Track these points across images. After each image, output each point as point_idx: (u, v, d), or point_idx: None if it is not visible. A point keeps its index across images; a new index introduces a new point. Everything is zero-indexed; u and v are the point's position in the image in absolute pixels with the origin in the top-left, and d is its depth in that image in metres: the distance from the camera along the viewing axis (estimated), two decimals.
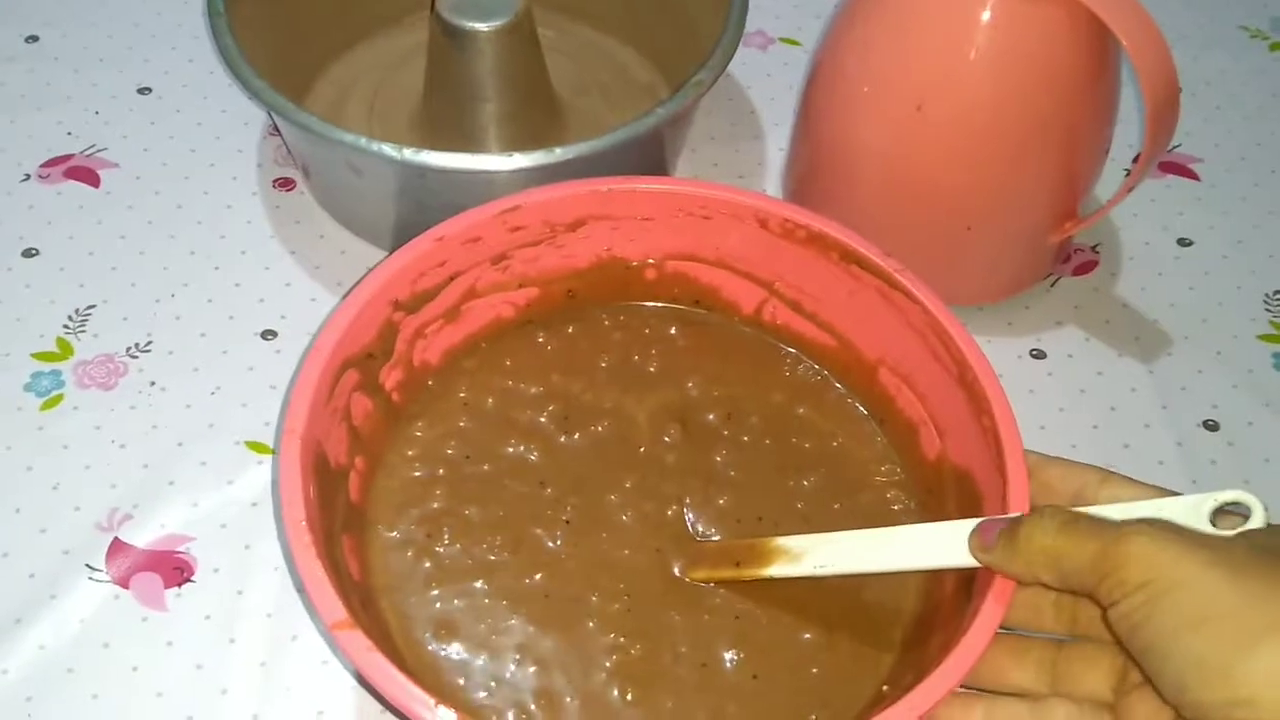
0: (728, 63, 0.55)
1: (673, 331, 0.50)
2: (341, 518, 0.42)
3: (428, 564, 0.44)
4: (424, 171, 0.51)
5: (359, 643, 0.35)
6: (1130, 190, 0.53)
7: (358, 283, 0.44)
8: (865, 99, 0.53)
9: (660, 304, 0.51)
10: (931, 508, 0.45)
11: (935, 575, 0.43)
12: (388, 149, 0.50)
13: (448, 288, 0.47)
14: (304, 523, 0.37)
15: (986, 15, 0.48)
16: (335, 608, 0.35)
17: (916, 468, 0.46)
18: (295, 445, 0.39)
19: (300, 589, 0.47)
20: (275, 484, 0.50)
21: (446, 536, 0.44)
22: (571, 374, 0.49)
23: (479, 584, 0.43)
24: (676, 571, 0.44)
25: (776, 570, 0.42)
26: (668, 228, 0.48)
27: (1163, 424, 0.54)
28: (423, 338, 0.47)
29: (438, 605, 0.43)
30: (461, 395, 0.48)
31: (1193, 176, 0.64)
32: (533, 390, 0.48)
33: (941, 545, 0.39)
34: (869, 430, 0.48)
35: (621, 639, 0.42)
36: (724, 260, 0.49)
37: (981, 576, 0.39)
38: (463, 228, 0.45)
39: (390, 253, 0.57)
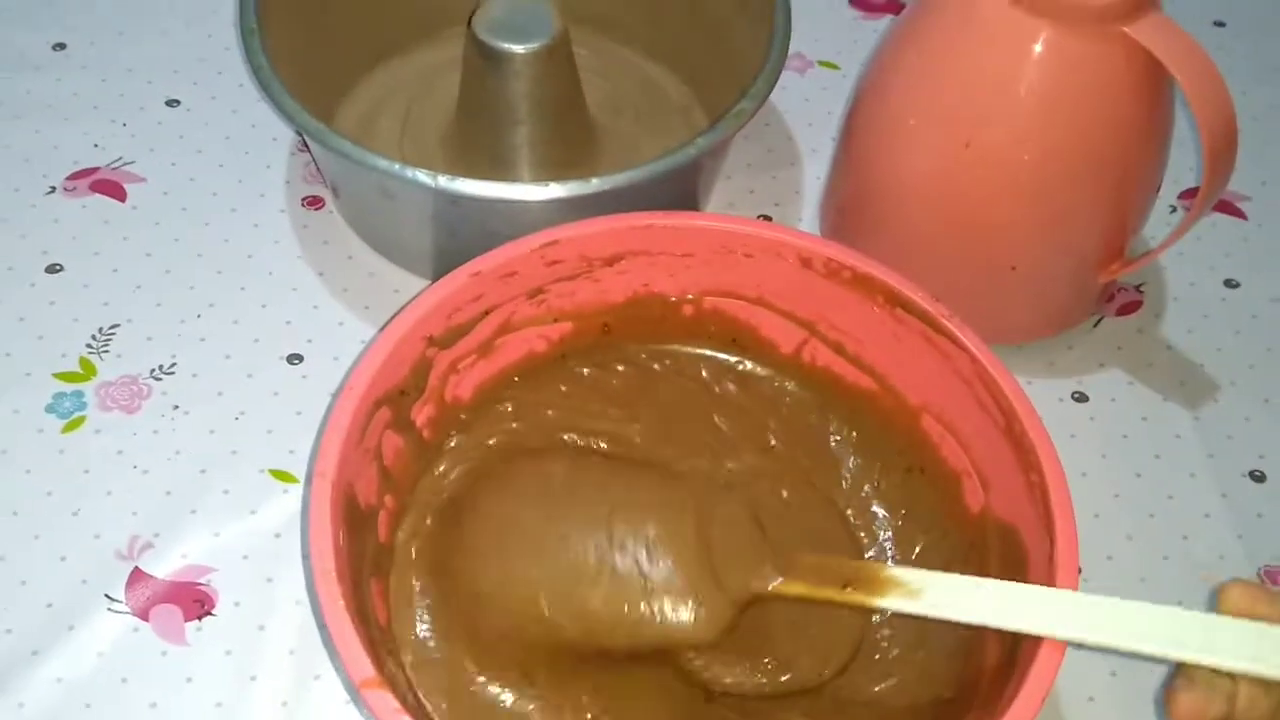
0: (770, 91, 0.54)
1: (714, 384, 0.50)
2: (370, 561, 0.41)
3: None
4: (458, 199, 0.50)
5: (387, 704, 0.34)
6: (1182, 234, 0.51)
7: (392, 318, 0.43)
8: (911, 133, 0.52)
9: (698, 349, 0.50)
10: (974, 562, 0.44)
11: (978, 650, 0.41)
12: (422, 176, 0.49)
13: (482, 322, 0.46)
14: (333, 573, 0.36)
15: (1039, 51, 0.47)
16: (363, 665, 0.34)
17: (959, 520, 0.45)
18: (326, 490, 0.38)
19: (323, 625, 0.46)
20: (302, 515, 0.49)
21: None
22: (603, 417, 0.48)
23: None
24: (769, 587, 0.42)
25: (889, 602, 0.40)
26: (707, 264, 0.47)
27: (1208, 473, 0.53)
28: (455, 373, 0.46)
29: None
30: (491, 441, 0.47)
31: (1240, 215, 0.62)
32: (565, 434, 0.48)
33: (1081, 620, 0.36)
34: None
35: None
36: (764, 299, 0.48)
37: (1025, 650, 0.37)
38: (499, 262, 0.44)
39: (420, 276, 0.57)
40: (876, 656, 0.44)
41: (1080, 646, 0.37)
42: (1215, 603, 0.37)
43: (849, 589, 0.40)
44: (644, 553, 0.42)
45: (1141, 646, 0.36)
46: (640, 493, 0.44)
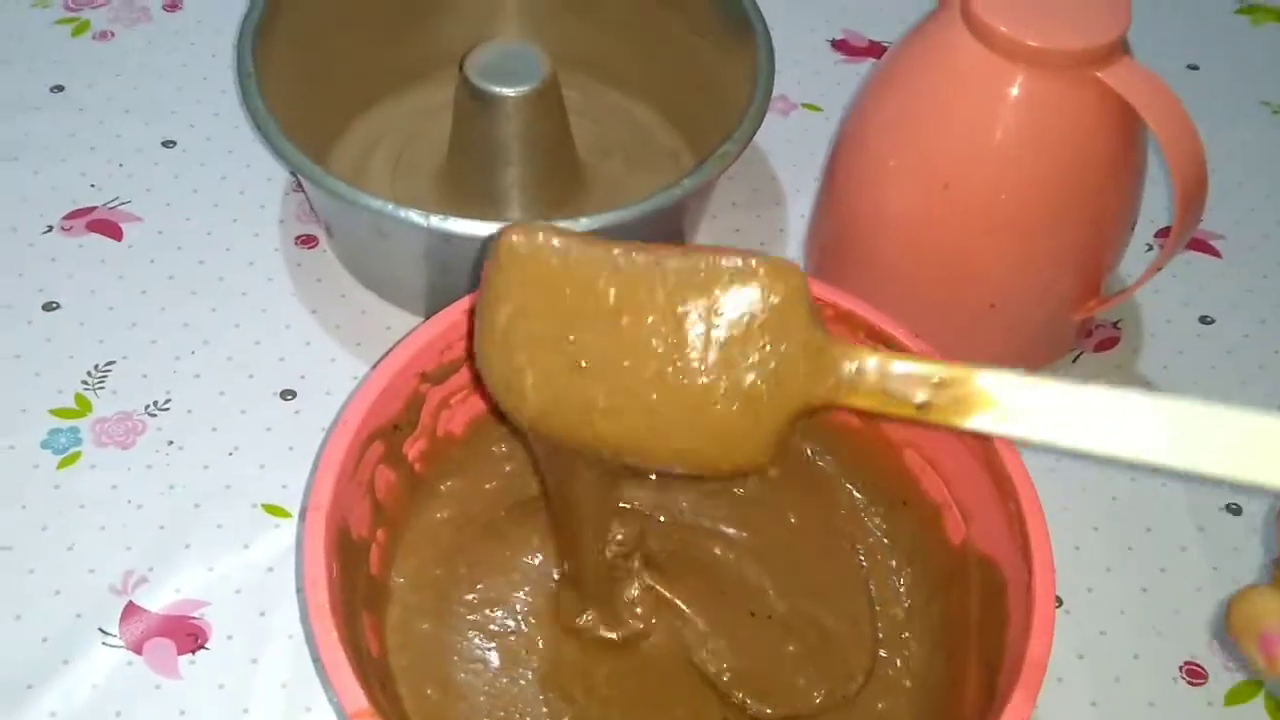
0: (754, 133, 0.55)
1: None
2: (363, 594, 0.42)
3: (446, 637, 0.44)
4: (450, 238, 0.51)
5: None
6: (1155, 272, 0.53)
7: (386, 354, 0.44)
8: (891, 174, 0.53)
9: None
10: (954, 596, 0.45)
11: (957, 671, 0.42)
12: (414, 215, 0.50)
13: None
14: (327, 606, 0.37)
15: (1015, 95, 0.48)
16: (357, 697, 0.35)
17: (939, 553, 0.46)
18: (320, 523, 0.39)
19: (316, 658, 0.47)
20: (297, 550, 0.50)
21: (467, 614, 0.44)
22: None
23: (494, 656, 0.43)
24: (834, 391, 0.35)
25: (975, 423, 0.34)
26: None
27: (1184, 507, 0.54)
28: (447, 408, 0.47)
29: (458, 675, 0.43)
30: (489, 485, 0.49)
31: (1214, 253, 0.64)
32: None
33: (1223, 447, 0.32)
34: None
35: None
36: None
37: (1007, 672, 0.38)
38: None
39: (412, 313, 0.58)
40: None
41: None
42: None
43: (926, 409, 0.35)
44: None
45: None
46: None
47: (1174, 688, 0.49)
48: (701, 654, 0.45)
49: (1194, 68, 0.73)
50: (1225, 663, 0.49)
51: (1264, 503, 0.54)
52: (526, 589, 0.45)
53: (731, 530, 0.48)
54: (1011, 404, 0.34)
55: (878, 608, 0.46)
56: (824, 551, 0.48)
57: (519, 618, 0.45)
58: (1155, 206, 0.63)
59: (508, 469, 0.49)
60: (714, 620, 0.46)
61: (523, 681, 0.44)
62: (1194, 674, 0.49)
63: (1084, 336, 0.59)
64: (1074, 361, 0.59)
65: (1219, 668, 0.49)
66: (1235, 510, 0.54)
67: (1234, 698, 0.48)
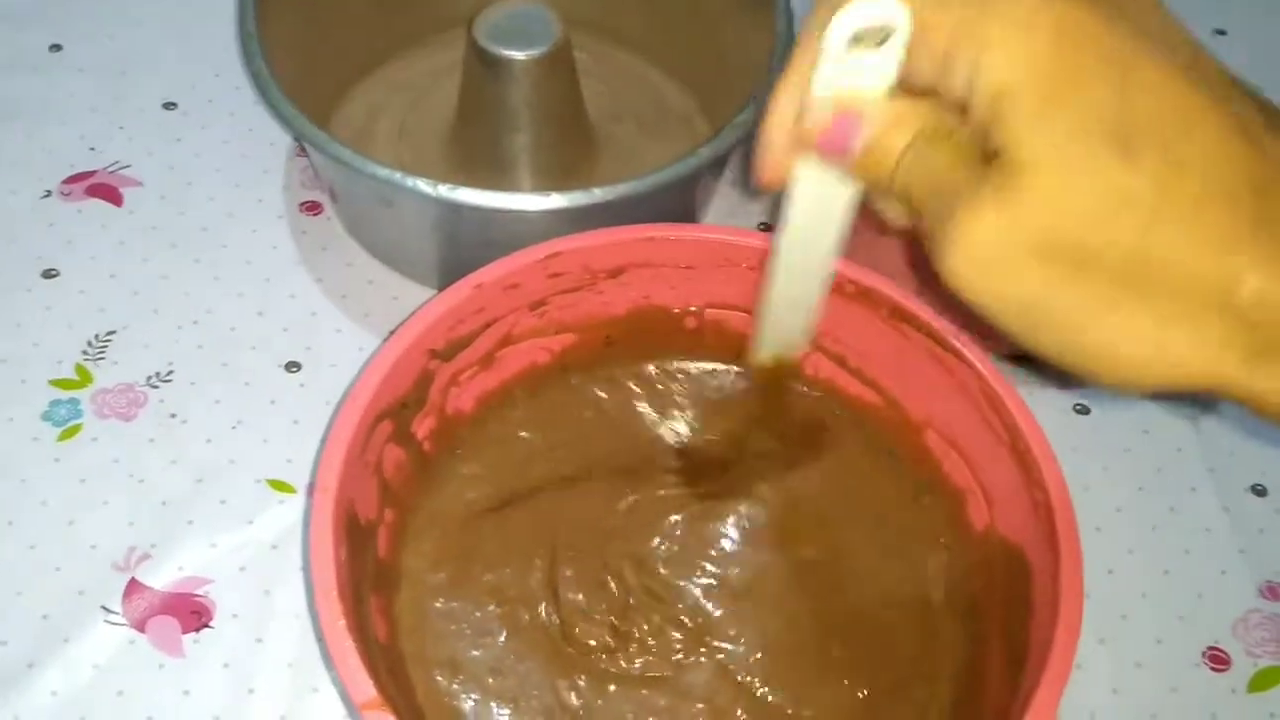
0: None
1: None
2: (371, 577, 0.41)
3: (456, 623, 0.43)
4: (458, 208, 0.50)
5: None
6: None
7: (394, 330, 0.42)
8: None
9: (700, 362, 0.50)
10: (979, 581, 0.44)
11: (980, 659, 0.41)
12: (422, 185, 0.49)
13: (484, 334, 0.45)
14: (334, 591, 0.36)
15: None
16: (365, 687, 0.34)
17: (963, 538, 0.45)
18: (328, 505, 0.38)
19: (321, 639, 0.46)
20: (303, 527, 0.49)
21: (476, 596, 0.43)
22: (600, 435, 0.48)
23: (504, 639, 0.43)
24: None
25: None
26: (710, 277, 0.47)
27: (1209, 488, 0.52)
28: (456, 385, 0.45)
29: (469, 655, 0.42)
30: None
31: None
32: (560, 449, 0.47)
33: None
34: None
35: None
36: None
37: (1033, 663, 0.37)
38: (502, 274, 0.44)
39: (419, 283, 0.57)
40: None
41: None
42: None
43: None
44: None
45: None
46: None
47: (1196, 674, 0.48)
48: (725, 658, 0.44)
49: (1221, 32, 0.71)
50: (1249, 649, 0.48)
51: None
52: (538, 573, 0.44)
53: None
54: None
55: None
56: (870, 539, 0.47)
57: (531, 600, 0.44)
58: None
59: (520, 447, 0.48)
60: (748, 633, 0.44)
61: (534, 664, 0.43)
62: (1217, 660, 0.48)
63: None
64: None
65: (1242, 654, 0.48)
66: (1261, 491, 0.53)
67: (1257, 684, 0.47)
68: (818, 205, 0.37)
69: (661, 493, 0.46)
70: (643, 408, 0.49)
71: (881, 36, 0.31)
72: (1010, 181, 0.29)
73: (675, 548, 0.45)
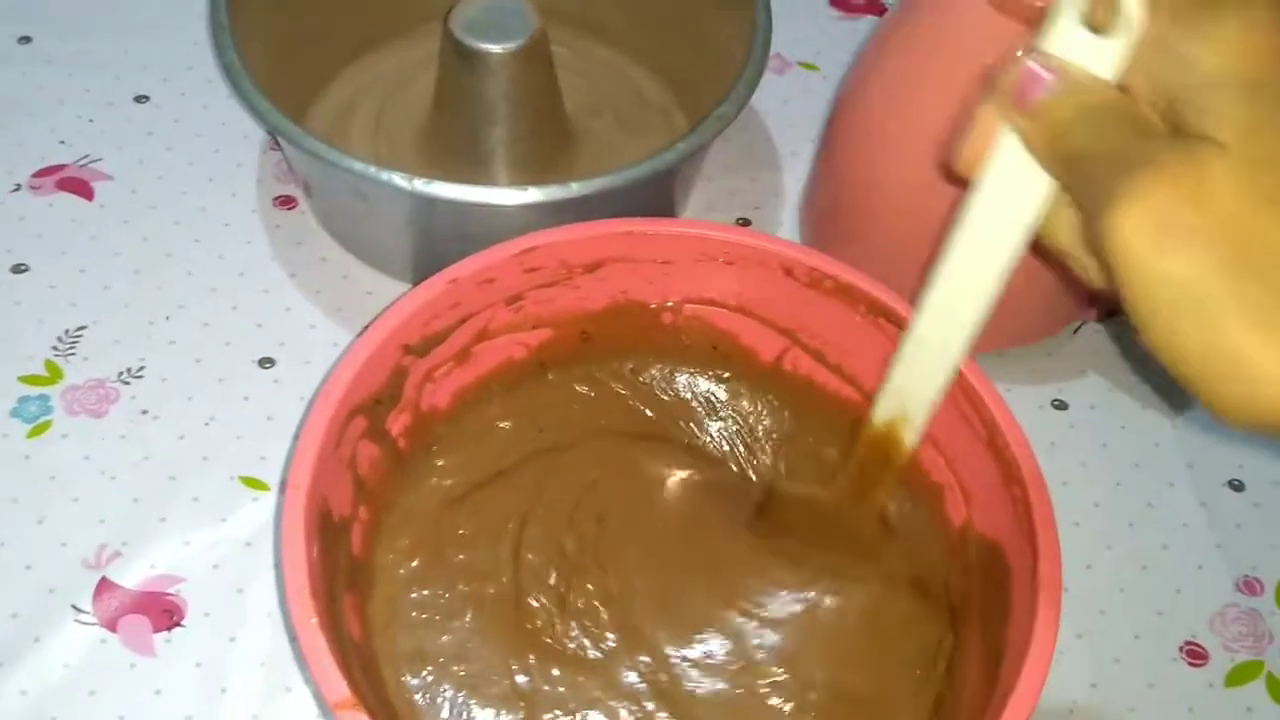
0: (750, 94, 0.54)
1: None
2: (344, 575, 0.40)
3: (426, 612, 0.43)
4: (433, 202, 0.49)
5: None
6: None
7: (368, 325, 0.42)
8: (892, 138, 0.51)
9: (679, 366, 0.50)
10: (955, 576, 0.44)
11: (961, 654, 0.41)
12: (397, 178, 0.48)
13: (459, 330, 0.45)
14: (307, 590, 0.35)
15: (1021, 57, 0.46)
16: (338, 686, 0.34)
17: (940, 533, 0.45)
18: (300, 502, 0.37)
19: (294, 638, 0.46)
20: (276, 525, 0.48)
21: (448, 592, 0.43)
22: (576, 426, 0.48)
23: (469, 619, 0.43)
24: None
25: (912, 436, 0.39)
26: (688, 271, 0.47)
27: (1187, 483, 0.53)
28: (431, 381, 0.45)
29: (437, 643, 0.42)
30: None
31: None
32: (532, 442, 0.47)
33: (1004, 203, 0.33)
34: None
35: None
36: (745, 307, 0.47)
37: (1010, 661, 0.37)
38: (477, 269, 0.43)
39: (394, 278, 0.56)
40: None
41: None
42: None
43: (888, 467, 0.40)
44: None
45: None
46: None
47: (1174, 668, 0.48)
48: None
49: None
50: (1226, 643, 0.48)
51: (1267, 479, 0.53)
52: (508, 541, 0.44)
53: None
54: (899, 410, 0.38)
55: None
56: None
57: (497, 571, 0.44)
58: None
59: (499, 436, 0.47)
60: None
61: (494, 646, 0.42)
62: (1194, 654, 0.48)
63: (1086, 306, 0.58)
64: (1075, 332, 0.57)
65: (1220, 648, 0.48)
66: (1238, 486, 0.53)
67: (1235, 679, 0.48)
68: (1005, 201, 0.34)
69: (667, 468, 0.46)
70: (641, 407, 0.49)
71: (1110, 23, 0.31)
72: (1202, 155, 0.28)
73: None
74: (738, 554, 0.44)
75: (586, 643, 0.42)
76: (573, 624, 0.43)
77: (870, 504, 0.42)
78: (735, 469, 0.48)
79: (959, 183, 0.36)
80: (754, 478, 0.48)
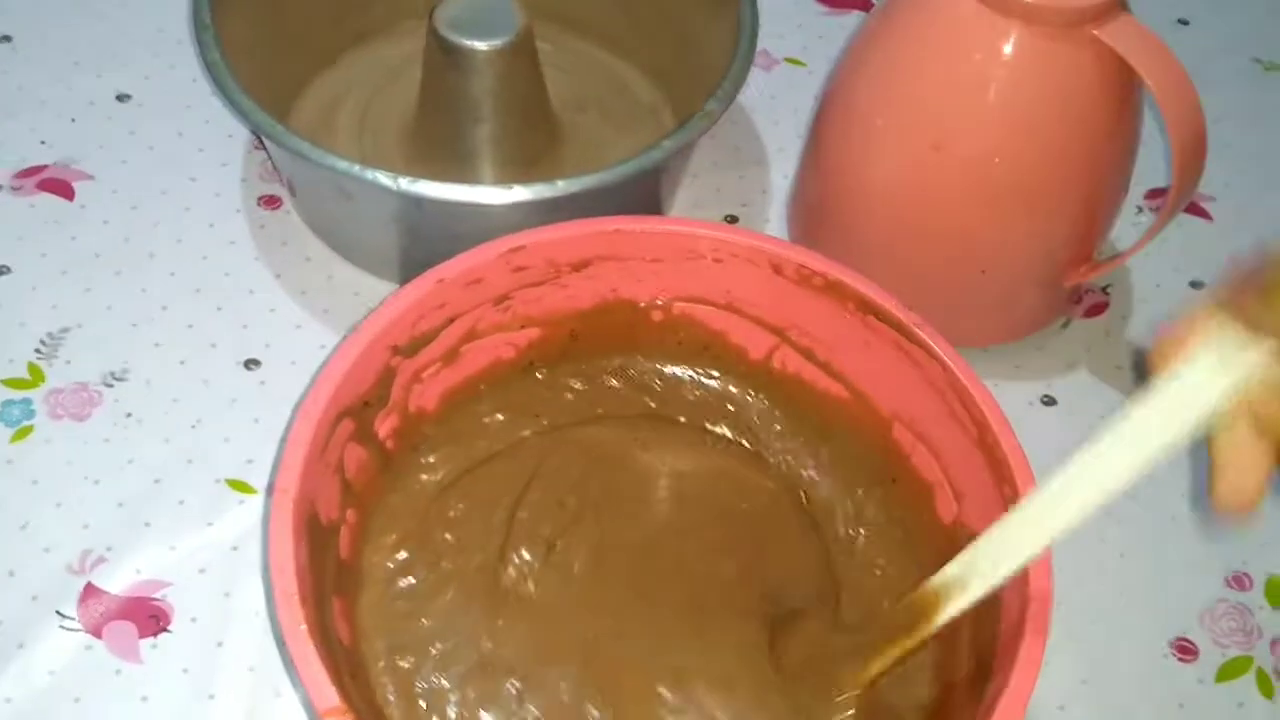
0: (737, 91, 0.53)
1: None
2: (332, 578, 0.40)
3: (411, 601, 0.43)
4: (419, 201, 0.49)
5: None
6: (1152, 237, 0.51)
7: (355, 327, 0.41)
8: (879, 134, 0.51)
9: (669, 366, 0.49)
10: None
11: (949, 659, 0.41)
12: (382, 177, 0.48)
13: (447, 330, 0.44)
14: (295, 596, 0.35)
15: (1008, 53, 0.47)
16: (328, 694, 0.33)
17: (930, 532, 0.45)
18: (288, 506, 0.37)
19: (282, 643, 0.45)
20: (263, 528, 0.48)
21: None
22: (573, 412, 0.48)
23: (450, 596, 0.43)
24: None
25: (949, 611, 0.37)
26: (676, 270, 0.46)
27: (1175, 478, 0.52)
28: (419, 382, 0.45)
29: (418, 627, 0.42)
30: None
31: (1205, 215, 0.62)
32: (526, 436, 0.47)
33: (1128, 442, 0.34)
34: None
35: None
36: (734, 304, 0.47)
37: (1003, 651, 0.37)
38: (464, 269, 0.43)
39: (381, 278, 0.56)
40: None
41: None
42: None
43: (913, 633, 0.38)
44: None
45: (1132, 463, 0.34)
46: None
47: (1164, 664, 0.48)
48: None
49: (1184, 22, 0.71)
50: (1216, 639, 0.48)
51: None
52: (503, 510, 0.44)
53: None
54: (962, 577, 0.37)
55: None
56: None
57: (488, 540, 0.44)
58: (1143, 166, 0.61)
59: (485, 434, 0.47)
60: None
61: (469, 614, 0.42)
62: (1184, 651, 0.48)
63: (1074, 302, 0.58)
64: (1063, 328, 0.57)
65: (1210, 644, 0.48)
66: None
67: (1225, 674, 0.48)
68: (1171, 410, 0.34)
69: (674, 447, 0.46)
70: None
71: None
72: None
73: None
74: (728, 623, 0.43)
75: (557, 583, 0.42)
76: (553, 573, 0.42)
77: (868, 667, 0.39)
78: (748, 446, 0.48)
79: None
80: (770, 460, 0.47)
